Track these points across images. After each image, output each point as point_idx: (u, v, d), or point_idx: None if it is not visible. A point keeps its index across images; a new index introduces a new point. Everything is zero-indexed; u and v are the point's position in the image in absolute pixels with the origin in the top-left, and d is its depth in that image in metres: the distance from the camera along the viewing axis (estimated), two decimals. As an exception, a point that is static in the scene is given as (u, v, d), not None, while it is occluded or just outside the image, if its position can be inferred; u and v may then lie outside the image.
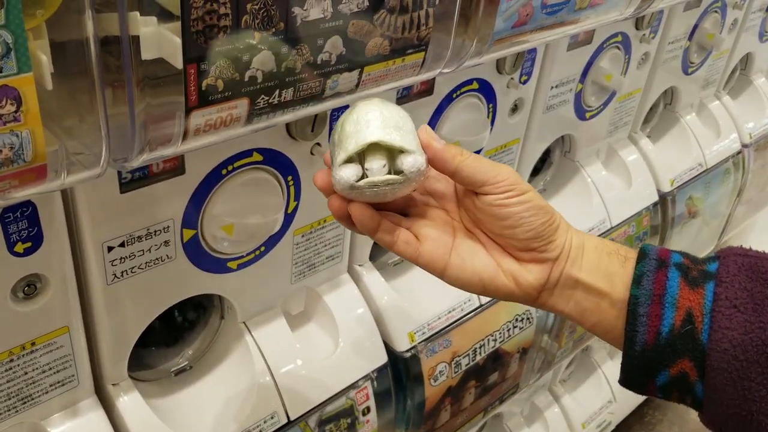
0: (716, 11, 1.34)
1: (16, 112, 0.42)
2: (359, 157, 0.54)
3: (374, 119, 0.53)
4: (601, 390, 1.64)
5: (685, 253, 0.57)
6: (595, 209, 1.26)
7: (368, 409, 0.91)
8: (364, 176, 0.53)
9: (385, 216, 0.58)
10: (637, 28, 1.17)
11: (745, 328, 0.50)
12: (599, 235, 1.24)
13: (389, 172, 0.53)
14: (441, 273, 0.58)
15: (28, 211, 0.59)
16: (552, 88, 1.07)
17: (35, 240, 0.61)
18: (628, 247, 0.59)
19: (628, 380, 0.56)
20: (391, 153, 0.54)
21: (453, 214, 0.60)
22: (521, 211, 0.55)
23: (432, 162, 0.55)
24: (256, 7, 0.50)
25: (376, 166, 0.53)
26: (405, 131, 0.54)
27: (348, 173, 0.53)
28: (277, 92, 0.55)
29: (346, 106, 0.78)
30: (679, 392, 0.54)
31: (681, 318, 0.52)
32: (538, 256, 0.57)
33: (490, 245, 0.58)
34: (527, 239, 0.56)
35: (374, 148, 0.53)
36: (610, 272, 0.57)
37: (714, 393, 0.52)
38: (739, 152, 1.57)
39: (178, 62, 0.48)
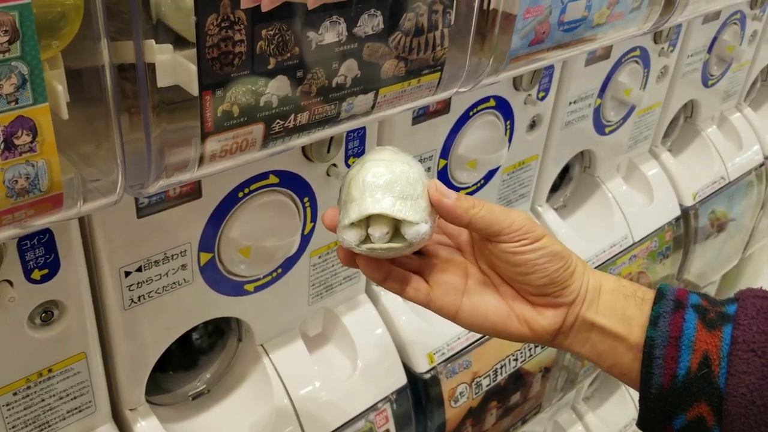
0: (735, 23, 1.33)
1: (32, 142, 0.42)
2: (365, 219, 0.53)
3: (381, 185, 0.53)
4: (625, 407, 1.61)
5: (704, 294, 0.56)
6: (616, 225, 1.25)
7: (388, 431, 0.90)
8: (367, 238, 0.53)
9: (395, 258, 0.57)
10: (655, 42, 1.16)
11: (762, 373, 0.50)
12: (621, 252, 1.22)
13: (393, 235, 0.53)
14: (453, 318, 0.58)
15: (45, 238, 0.59)
16: (570, 103, 1.06)
17: (52, 267, 0.61)
18: (646, 288, 0.58)
19: (645, 423, 0.55)
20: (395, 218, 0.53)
21: (467, 254, 0.59)
22: (536, 258, 0.55)
23: (444, 217, 0.55)
24: (271, 33, 0.50)
25: (378, 234, 0.53)
26: (412, 197, 0.53)
27: (351, 237, 0.53)
28: (292, 116, 0.55)
29: (363, 128, 0.78)
30: None
31: (698, 361, 0.52)
32: (552, 301, 0.56)
33: (503, 288, 0.58)
34: (541, 285, 0.56)
35: (378, 214, 0.53)
36: (626, 315, 0.56)
37: None
38: (762, 164, 1.55)
39: (194, 89, 0.48)
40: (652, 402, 0.53)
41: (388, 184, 0.53)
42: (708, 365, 0.51)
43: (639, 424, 0.56)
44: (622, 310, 0.56)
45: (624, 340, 0.56)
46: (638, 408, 0.55)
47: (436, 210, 0.55)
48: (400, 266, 0.58)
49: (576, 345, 0.58)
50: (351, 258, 0.56)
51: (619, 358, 0.56)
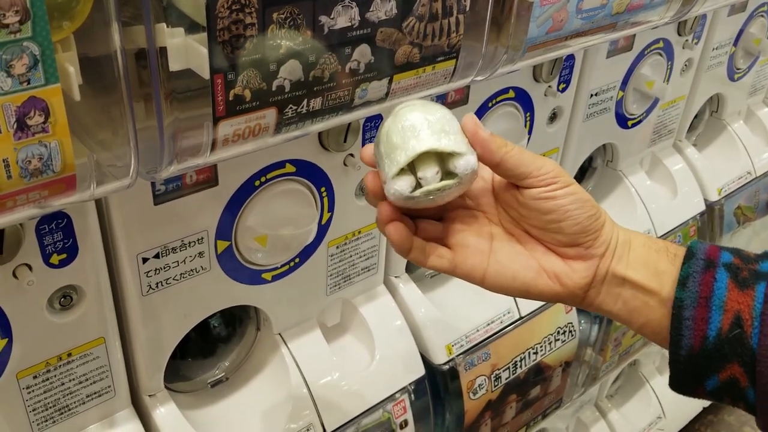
0: (762, 15, 1.30)
1: (44, 123, 0.43)
2: (410, 166, 0.52)
3: (420, 126, 0.52)
4: (650, 405, 1.59)
5: (737, 250, 0.54)
6: (639, 220, 1.23)
7: (406, 422, 0.90)
8: (417, 184, 0.52)
9: (418, 223, 0.56)
10: (679, 34, 1.14)
11: None
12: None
13: (441, 176, 0.52)
14: (480, 281, 0.56)
15: (63, 222, 0.60)
16: (591, 96, 1.05)
17: (70, 251, 0.62)
18: (678, 245, 0.57)
19: (677, 384, 0.54)
20: (441, 156, 0.52)
21: (491, 214, 0.58)
22: (567, 203, 0.53)
23: (478, 151, 0.54)
24: (282, 16, 0.50)
25: (430, 174, 0.51)
26: (452, 132, 0.52)
27: (402, 185, 0.52)
28: (305, 101, 0.55)
29: (378, 116, 0.78)
30: (731, 397, 0.52)
31: (729, 321, 0.50)
32: (584, 253, 0.55)
33: (531, 245, 0.56)
34: (574, 233, 0.54)
35: (424, 154, 0.52)
36: (658, 270, 0.55)
37: (766, 399, 0.49)
38: (791, 160, 1.52)
39: (205, 72, 0.48)
40: (682, 364, 0.52)
41: (427, 122, 0.52)
42: (740, 325, 0.50)
43: (671, 386, 0.55)
44: (654, 264, 0.55)
45: (656, 295, 0.54)
46: (670, 370, 0.54)
47: (471, 143, 0.53)
48: (422, 234, 0.56)
49: (608, 302, 0.56)
50: (391, 217, 0.54)
51: (651, 314, 0.54)
